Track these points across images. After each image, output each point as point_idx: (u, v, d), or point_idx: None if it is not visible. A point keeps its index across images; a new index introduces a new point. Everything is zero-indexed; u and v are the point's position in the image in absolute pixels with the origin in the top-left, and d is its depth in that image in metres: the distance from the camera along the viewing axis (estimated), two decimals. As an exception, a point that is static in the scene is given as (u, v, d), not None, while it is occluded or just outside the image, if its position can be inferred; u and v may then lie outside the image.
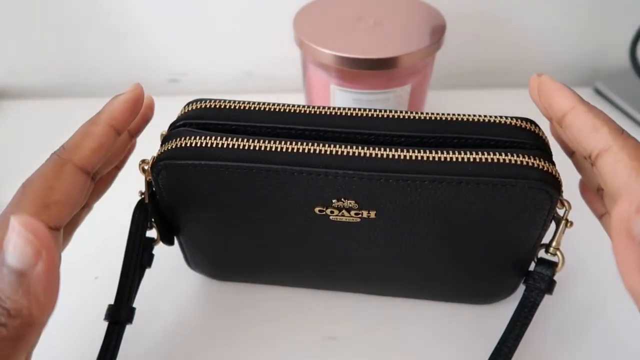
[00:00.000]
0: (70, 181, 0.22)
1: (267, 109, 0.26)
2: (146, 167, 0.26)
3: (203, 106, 0.27)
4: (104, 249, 0.31)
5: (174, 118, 0.28)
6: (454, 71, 0.53)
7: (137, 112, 0.24)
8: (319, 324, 0.32)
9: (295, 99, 0.34)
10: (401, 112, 0.26)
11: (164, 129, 0.28)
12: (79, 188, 0.22)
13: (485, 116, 0.26)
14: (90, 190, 0.24)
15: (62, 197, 0.21)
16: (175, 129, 0.26)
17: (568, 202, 0.25)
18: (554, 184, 0.23)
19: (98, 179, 0.26)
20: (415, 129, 0.25)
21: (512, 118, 0.26)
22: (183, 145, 0.25)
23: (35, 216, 0.20)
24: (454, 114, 0.26)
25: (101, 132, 0.23)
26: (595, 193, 0.26)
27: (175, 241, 0.31)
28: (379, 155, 0.24)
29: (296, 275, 0.33)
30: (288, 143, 0.24)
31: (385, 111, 0.26)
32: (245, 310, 0.33)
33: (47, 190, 0.21)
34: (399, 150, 0.24)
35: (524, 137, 0.25)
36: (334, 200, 0.25)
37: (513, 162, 0.23)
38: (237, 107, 0.27)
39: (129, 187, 0.29)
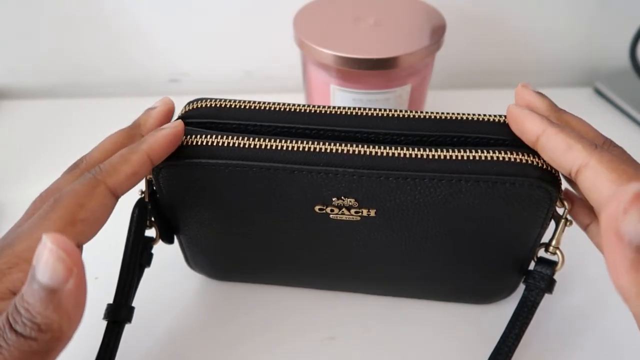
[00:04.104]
0: (101, 202, 0.22)
1: (267, 108, 0.26)
2: (146, 166, 0.26)
3: (203, 105, 0.27)
4: (104, 249, 0.31)
5: (175, 118, 0.28)
6: (454, 71, 0.53)
7: (174, 148, 0.24)
8: (319, 324, 0.32)
9: (295, 99, 0.34)
10: (401, 111, 0.26)
11: (164, 128, 0.28)
12: (107, 210, 0.22)
13: (484, 115, 0.26)
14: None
15: (89, 216, 0.21)
16: (175, 128, 0.26)
17: (568, 201, 0.25)
18: (553, 182, 0.23)
19: None
20: (415, 128, 0.25)
21: (512, 117, 0.26)
22: (183, 144, 0.25)
23: (62, 231, 0.20)
24: (453, 113, 0.26)
25: (139, 160, 0.23)
26: (579, 204, 0.26)
27: (175, 241, 0.31)
28: (379, 154, 0.24)
29: (296, 274, 0.33)
30: (288, 142, 0.24)
31: (385, 110, 0.26)
32: (245, 310, 0.33)
33: (77, 207, 0.21)
34: (399, 148, 0.24)
35: (523, 136, 0.25)
36: (334, 199, 0.25)
37: (512, 160, 0.23)
38: (237, 106, 0.27)
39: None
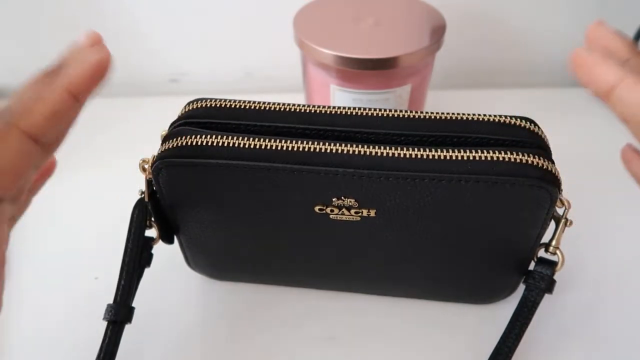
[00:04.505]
0: (17, 148, 0.19)
1: (267, 108, 0.26)
2: (146, 166, 0.26)
3: (203, 105, 0.27)
4: (104, 249, 0.31)
5: (174, 117, 0.28)
6: (454, 71, 0.53)
7: (101, 79, 0.21)
8: (319, 324, 0.32)
9: (295, 99, 0.34)
10: (401, 111, 0.26)
11: (165, 128, 0.28)
12: (27, 158, 0.20)
13: (484, 115, 0.26)
14: (43, 162, 0.21)
15: (9, 166, 0.19)
16: (176, 128, 0.26)
17: (568, 201, 0.25)
18: (554, 182, 0.23)
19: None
20: (415, 128, 0.25)
21: (511, 117, 0.26)
22: (183, 144, 0.25)
23: None
24: (453, 113, 0.26)
25: (56, 97, 0.20)
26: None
27: (175, 241, 0.31)
28: (379, 154, 0.24)
29: (296, 274, 0.33)
30: (288, 142, 0.24)
31: (385, 110, 0.26)
32: (245, 310, 0.33)
33: None
34: (399, 148, 0.24)
35: (523, 136, 0.25)
36: (334, 199, 0.25)
37: (512, 160, 0.23)
38: (237, 106, 0.27)
39: (129, 186, 0.29)
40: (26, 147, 0.20)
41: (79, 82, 0.20)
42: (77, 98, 0.21)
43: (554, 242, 0.27)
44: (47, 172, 0.25)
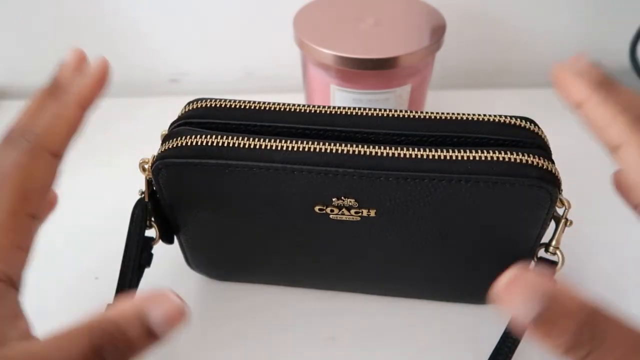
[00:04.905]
0: (47, 168, 0.21)
1: (267, 108, 0.26)
2: (146, 166, 0.26)
3: (203, 105, 0.27)
4: (104, 249, 0.31)
5: (174, 118, 0.28)
6: (454, 71, 0.53)
7: (104, 87, 0.23)
8: (319, 324, 0.32)
9: (295, 99, 0.34)
10: (401, 111, 0.26)
11: (165, 128, 0.28)
12: (54, 174, 0.22)
13: (484, 115, 0.26)
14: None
15: (39, 186, 0.21)
16: (176, 128, 0.27)
17: (568, 201, 0.25)
18: (554, 182, 0.23)
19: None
20: (415, 128, 0.25)
21: (511, 117, 0.26)
22: (183, 144, 0.25)
23: (18, 207, 0.20)
24: (453, 113, 0.26)
25: (73, 114, 0.22)
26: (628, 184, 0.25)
27: (175, 241, 0.31)
28: (379, 154, 0.24)
29: (296, 274, 0.33)
30: (288, 142, 0.24)
31: (385, 110, 0.26)
32: (245, 310, 0.33)
33: (25, 180, 0.20)
34: (399, 148, 0.24)
35: (523, 136, 0.25)
36: (334, 199, 0.25)
37: (512, 160, 0.23)
38: (237, 106, 0.27)
39: (129, 186, 0.29)
40: (54, 166, 0.22)
41: (88, 96, 0.22)
42: (85, 108, 0.23)
43: (554, 242, 0.27)
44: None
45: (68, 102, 0.22)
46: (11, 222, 0.20)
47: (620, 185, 0.24)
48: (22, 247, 0.21)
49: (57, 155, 0.22)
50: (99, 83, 0.23)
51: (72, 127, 0.22)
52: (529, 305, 0.14)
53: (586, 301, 0.15)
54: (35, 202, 0.21)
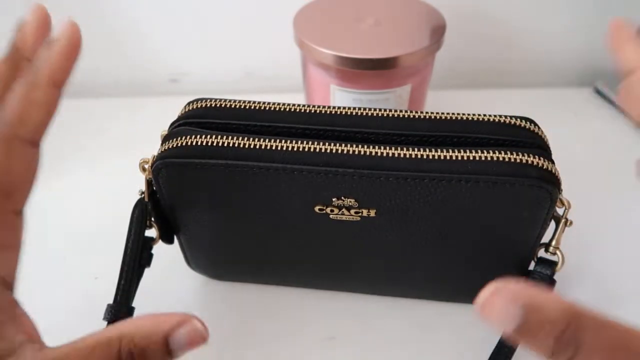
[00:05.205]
0: (24, 159, 0.19)
1: (267, 108, 0.27)
2: (146, 166, 0.26)
3: (203, 105, 0.27)
4: (104, 249, 0.31)
5: (174, 118, 0.28)
6: (454, 71, 0.53)
7: (77, 59, 0.20)
8: (319, 324, 0.32)
9: (295, 99, 0.34)
10: (401, 111, 0.26)
11: (165, 128, 0.28)
12: (34, 163, 0.20)
13: (484, 115, 0.26)
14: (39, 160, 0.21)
15: (18, 179, 0.19)
16: (176, 128, 0.27)
17: (568, 201, 0.25)
18: (554, 182, 0.23)
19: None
20: (415, 128, 0.25)
21: (511, 117, 0.26)
22: (183, 144, 0.25)
23: (1, 207, 0.19)
24: (453, 113, 0.26)
25: (47, 96, 0.19)
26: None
27: (175, 241, 0.31)
28: (379, 154, 0.24)
29: (296, 274, 0.33)
30: (288, 142, 0.24)
31: (385, 110, 0.26)
32: (245, 310, 0.33)
33: (3, 176, 0.19)
34: (399, 148, 0.24)
35: (523, 136, 0.25)
36: (334, 199, 0.25)
37: (512, 160, 0.23)
38: (237, 106, 0.27)
39: (129, 186, 0.29)
40: (31, 155, 0.19)
41: (61, 70, 0.19)
42: (59, 86, 0.20)
43: (554, 242, 0.27)
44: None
45: (39, 80, 0.19)
46: None
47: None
48: (9, 245, 0.20)
49: (33, 142, 0.19)
50: (72, 54, 0.19)
51: (47, 110, 0.19)
52: (510, 317, 0.15)
53: (567, 306, 0.16)
54: (17, 197, 0.19)
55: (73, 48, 0.19)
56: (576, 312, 0.16)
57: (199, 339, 0.18)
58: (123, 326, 0.18)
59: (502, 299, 0.15)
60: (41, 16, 0.21)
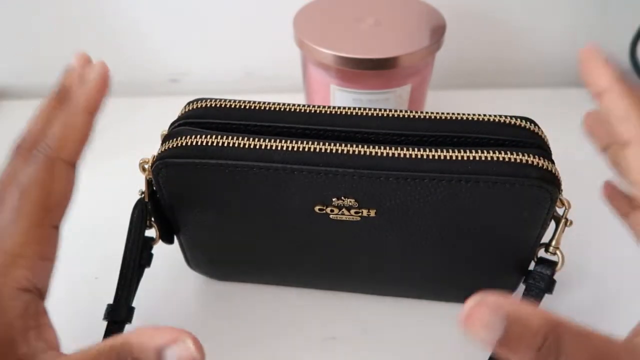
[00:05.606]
0: (65, 180, 0.22)
1: (267, 108, 0.27)
2: (146, 166, 0.26)
3: (203, 105, 0.27)
4: (104, 249, 0.31)
5: (174, 118, 0.28)
6: (454, 71, 0.53)
7: (107, 90, 0.24)
8: (319, 324, 0.32)
9: (295, 99, 0.34)
10: (401, 111, 0.26)
11: (165, 128, 0.28)
12: (72, 183, 0.22)
13: (484, 115, 0.26)
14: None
15: (60, 198, 0.22)
16: (176, 128, 0.27)
17: (568, 201, 0.25)
18: (554, 182, 0.23)
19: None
20: (415, 128, 0.25)
21: (511, 117, 0.26)
22: (183, 144, 0.25)
23: (41, 222, 0.21)
24: (453, 113, 0.26)
25: (83, 121, 0.22)
26: (619, 191, 0.26)
27: (175, 241, 0.31)
28: (379, 154, 0.24)
29: (296, 274, 0.33)
30: (288, 142, 0.24)
31: (385, 110, 0.26)
32: (245, 310, 0.33)
33: (45, 194, 0.21)
34: (399, 148, 0.24)
35: (523, 136, 0.25)
36: (334, 199, 0.25)
37: (512, 160, 0.23)
38: (237, 106, 0.27)
39: (129, 186, 0.29)
40: (70, 175, 0.22)
41: (94, 101, 0.23)
42: (93, 114, 0.23)
43: (554, 242, 0.27)
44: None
45: (77, 109, 0.22)
46: (36, 235, 0.21)
47: (610, 192, 0.26)
48: (47, 257, 0.22)
49: (72, 164, 0.22)
50: (103, 87, 0.23)
51: (83, 134, 0.22)
52: (491, 330, 0.16)
53: (548, 317, 0.16)
54: (56, 213, 0.22)
55: (103, 83, 0.23)
56: (556, 323, 0.16)
57: (190, 359, 0.18)
58: (127, 335, 0.18)
59: (484, 310, 0.16)
60: (84, 61, 0.25)
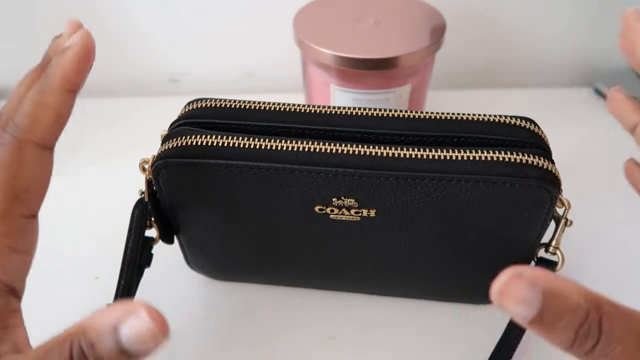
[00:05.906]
0: (36, 163, 0.19)
1: (267, 108, 0.27)
2: (146, 166, 0.26)
3: (203, 105, 0.27)
4: (104, 249, 0.31)
5: (175, 117, 0.28)
6: (454, 71, 0.53)
7: (91, 65, 0.20)
8: (319, 324, 0.32)
9: (295, 99, 0.34)
10: (401, 111, 0.26)
11: (165, 128, 0.28)
12: (46, 167, 0.20)
13: (484, 115, 0.26)
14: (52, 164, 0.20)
15: (30, 184, 0.19)
16: (176, 128, 0.27)
17: (568, 201, 0.25)
18: (554, 182, 0.23)
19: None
20: (415, 128, 0.25)
21: (511, 117, 0.26)
22: (183, 144, 0.25)
23: (9, 210, 0.19)
24: (453, 113, 0.26)
25: (58, 100, 0.19)
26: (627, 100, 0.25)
27: (175, 241, 0.31)
28: (379, 154, 0.24)
29: (296, 274, 0.33)
30: (288, 142, 0.24)
31: (385, 110, 0.26)
32: (245, 310, 0.33)
33: (12, 180, 0.19)
34: (399, 148, 0.24)
35: (523, 136, 0.25)
36: (334, 199, 0.25)
37: (512, 160, 0.23)
38: (237, 106, 0.27)
39: (129, 186, 0.29)
40: (43, 159, 0.19)
41: (72, 75, 0.19)
42: (73, 91, 0.20)
43: (554, 242, 0.27)
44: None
45: (50, 86, 0.19)
46: (4, 226, 0.19)
47: (631, 170, 0.25)
48: (20, 250, 0.19)
49: (46, 147, 0.19)
50: (84, 59, 0.20)
51: (59, 114, 0.19)
52: (528, 303, 0.14)
53: (588, 293, 0.15)
54: (29, 201, 0.19)
55: (85, 54, 0.20)
56: (597, 300, 0.15)
57: (149, 334, 0.15)
58: (82, 320, 0.16)
59: (520, 284, 0.14)
60: (76, 27, 0.22)
